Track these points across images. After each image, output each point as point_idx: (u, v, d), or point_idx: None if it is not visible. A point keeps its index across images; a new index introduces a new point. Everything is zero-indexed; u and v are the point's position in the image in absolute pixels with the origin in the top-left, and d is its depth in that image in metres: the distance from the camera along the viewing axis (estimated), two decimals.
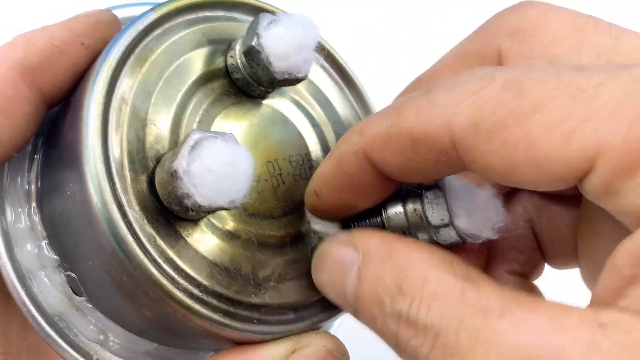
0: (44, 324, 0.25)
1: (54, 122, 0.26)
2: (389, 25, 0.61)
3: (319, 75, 0.30)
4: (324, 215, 0.27)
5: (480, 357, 0.18)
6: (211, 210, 0.22)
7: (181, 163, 0.21)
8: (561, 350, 0.17)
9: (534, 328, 0.18)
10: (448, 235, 0.25)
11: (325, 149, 0.29)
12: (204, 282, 0.23)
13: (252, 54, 0.25)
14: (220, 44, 0.27)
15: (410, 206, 0.25)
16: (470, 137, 0.20)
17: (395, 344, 0.21)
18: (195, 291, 0.23)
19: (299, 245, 0.27)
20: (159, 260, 0.22)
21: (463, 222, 0.25)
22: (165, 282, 0.22)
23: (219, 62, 0.27)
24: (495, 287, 0.20)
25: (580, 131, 0.18)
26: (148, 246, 0.22)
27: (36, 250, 0.26)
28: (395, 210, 0.25)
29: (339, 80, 0.30)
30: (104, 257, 0.23)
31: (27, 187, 0.26)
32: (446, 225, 0.24)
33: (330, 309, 0.26)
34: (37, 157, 0.27)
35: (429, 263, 0.21)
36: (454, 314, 0.19)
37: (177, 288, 0.22)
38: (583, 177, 0.19)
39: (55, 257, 0.26)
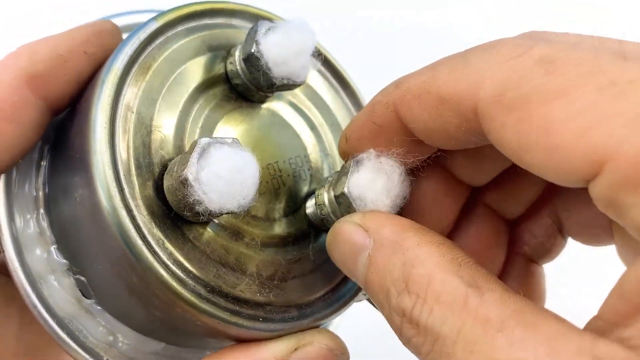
0: (56, 326, 0.25)
1: (60, 129, 0.27)
2: (387, 30, 0.62)
3: (315, 80, 0.31)
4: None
5: None
6: (221, 215, 0.23)
7: (191, 171, 0.22)
8: None
9: (528, 350, 0.18)
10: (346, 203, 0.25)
11: (323, 150, 0.30)
12: (211, 282, 0.24)
13: (251, 60, 0.26)
14: (220, 51, 0.28)
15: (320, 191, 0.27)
16: (491, 105, 0.20)
17: (399, 335, 0.21)
18: (203, 292, 0.24)
19: (300, 245, 0.28)
20: (168, 263, 0.23)
21: (354, 182, 0.25)
22: (174, 283, 0.23)
23: (219, 69, 0.28)
24: (498, 297, 0.19)
25: (596, 129, 0.17)
26: (157, 249, 0.23)
27: (45, 255, 0.26)
28: (309, 204, 0.28)
29: (335, 84, 0.31)
30: (114, 260, 0.23)
31: (34, 193, 0.27)
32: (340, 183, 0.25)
33: (331, 306, 0.27)
34: (44, 163, 0.27)
35: (436, 263, 0.21)
36: (455, 321, 0.19)
37: (186, 289, 0.23)
38: (590, 178, 0.18)
39: (64, 261, 0.26)
